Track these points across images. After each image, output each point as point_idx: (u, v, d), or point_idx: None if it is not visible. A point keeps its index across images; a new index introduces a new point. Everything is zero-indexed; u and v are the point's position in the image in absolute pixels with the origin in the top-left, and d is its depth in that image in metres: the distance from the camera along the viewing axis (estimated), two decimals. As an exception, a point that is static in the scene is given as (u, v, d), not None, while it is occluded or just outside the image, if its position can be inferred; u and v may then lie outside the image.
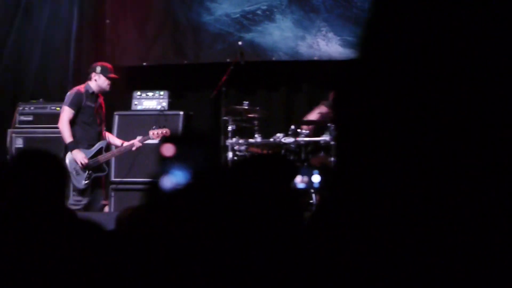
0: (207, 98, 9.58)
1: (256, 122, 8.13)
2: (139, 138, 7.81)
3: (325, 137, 7.75)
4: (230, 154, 7.90)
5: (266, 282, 1.23)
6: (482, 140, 1.00)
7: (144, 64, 9.81)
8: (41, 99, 9.28)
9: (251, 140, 7.97)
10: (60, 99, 9.27)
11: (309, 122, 8.19)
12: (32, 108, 9.17)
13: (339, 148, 1.15)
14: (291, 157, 7.67)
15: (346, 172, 1.10)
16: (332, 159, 7.52)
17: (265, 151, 7.90)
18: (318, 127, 8.12)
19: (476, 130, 1.00)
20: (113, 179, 8.79)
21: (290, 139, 7.82)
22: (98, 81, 7.78)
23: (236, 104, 8.46)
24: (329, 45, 9.44)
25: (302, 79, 9.64)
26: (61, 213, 2.30)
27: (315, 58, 9.46)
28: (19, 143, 8.98)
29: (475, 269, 1.01)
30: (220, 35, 9.69)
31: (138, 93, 9.36)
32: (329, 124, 7.77)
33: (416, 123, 1.02)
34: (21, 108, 9.18)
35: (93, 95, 7.76)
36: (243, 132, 8.21)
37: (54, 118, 9.05)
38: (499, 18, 1.00)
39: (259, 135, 8.00)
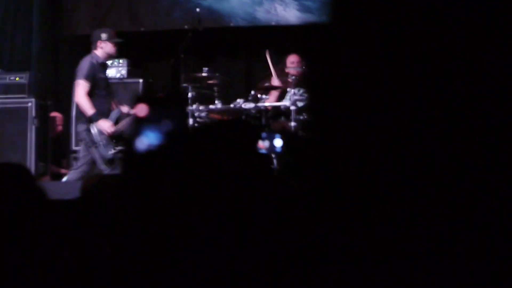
0: (166, 66, 9.55)
1: (216, 89, 8.13)
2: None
3: (285, 103, 7.80)
4: (190, 121, 7.92)
5: (235, 249, 1.23)
6: (483, 131, 1.00)
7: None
8: (0, 69, 9.17)
9: (211, 107, 7.99)
10: (19, 69, 9.19)
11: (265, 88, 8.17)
12: (-9, 78, 9.06)
13: (312, 114, 1.12)
14: (252, 123, 7.70)
15: (321, 141, 1.08)
16: (292, 124, 7.58)
17: (225, 117, 7.93)
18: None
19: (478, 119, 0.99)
20: (74, 148, 8.75)
21: (250, 105, 7.86)
22: (105, 48, 7.58)
23: (195, 71, 8.44)
24: (286, 10, 9.47)
25: (261, 45, 9.66)
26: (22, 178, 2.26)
27: (273, 23, 9.49)
28: (-22, 114, 8.88)
29: (475, 269, 1.00)
30: (178, 2, 9.66)
31: (97, 61, 9.29)
32: (288, 89, 7.81)
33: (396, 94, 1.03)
34: (-20, 79, 9.06)
35: (101, 66, 7.59)
36: (203, 98, 8.22)
37: (14, 88, 8.96)
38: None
39: (220, 101, 8.02)
